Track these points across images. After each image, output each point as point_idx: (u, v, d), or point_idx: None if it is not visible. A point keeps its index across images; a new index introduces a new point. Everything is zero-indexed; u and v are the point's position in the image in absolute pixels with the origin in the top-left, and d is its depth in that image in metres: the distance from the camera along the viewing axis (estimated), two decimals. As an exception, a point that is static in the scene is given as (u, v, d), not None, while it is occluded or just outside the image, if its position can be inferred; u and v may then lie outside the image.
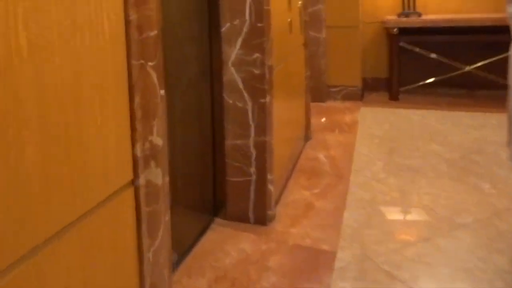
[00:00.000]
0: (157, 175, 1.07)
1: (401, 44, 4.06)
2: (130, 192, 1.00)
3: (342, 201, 2.24)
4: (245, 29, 1.92)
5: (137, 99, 0.98)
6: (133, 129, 0.98)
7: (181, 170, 1.80)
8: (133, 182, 1.01)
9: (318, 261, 1.76)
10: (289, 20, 2.47)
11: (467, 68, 4.04)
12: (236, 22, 1.92)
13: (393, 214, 2.15)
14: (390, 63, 4.16)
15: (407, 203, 2.24)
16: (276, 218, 2.09)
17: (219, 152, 2.06)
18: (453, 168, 2.62)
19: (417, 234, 1.95)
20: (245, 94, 1.98)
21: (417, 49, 4.09)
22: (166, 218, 1.14)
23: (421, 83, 4.17)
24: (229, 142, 2.03)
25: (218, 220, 2.08)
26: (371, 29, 4.38)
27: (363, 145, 3.02)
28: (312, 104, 3.36)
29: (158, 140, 1.06)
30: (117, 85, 0.93)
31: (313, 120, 3.38)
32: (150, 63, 1.00)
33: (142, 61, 0.98)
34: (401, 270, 1.68)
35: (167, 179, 1.12)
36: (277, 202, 2.23)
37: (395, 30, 4.01)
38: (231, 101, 2.00)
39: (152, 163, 1.05)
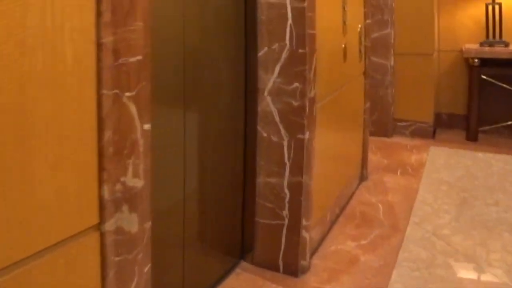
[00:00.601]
0: (131, 221, 0.91)
1: (483, 77, 3.63)
2: (93, 238, 0.87)
3: (393, 258, 1.92)
4: (284, 55, 1.73)
5: (107, 134, 0.84)
6: (101, 168, 0.84)
7: (207, 204, 1.67)
8: (99, 227, 0.87)
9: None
10: (343, 45, 2.24)
11: None
12: (275, 46, 1.74)
13: (455, 284, 1.76)
14: (469, 98, 3.73)
15: (475, 271, 1.85)
16: (310, 270, 1.85)
17: (250, 189, 1.87)
18: (540, 230, 2.14)
19: (483, 314, 1.56)
20: (281, 128, 1.78)
21: (502, 84, 3.63)
22: (144, 269, 0.97)
23: (505, 123, 3.67)
24: (261, 179, 1.84)
25: (244, 264, 1.89)
26: (448, 58, 3.96)
27: (428, 192, 2.63)
28: (375, 139, 3.05)
29: (135, 181, 0.90)
30: (81, 118, 0.80)
31: (373, 158, 3.05)
32: (127, 94, 0.86)
33: (117, 91, 0.84)
34: None
35: (147, 226, 0.96)
36: (315, 251, 1.97)
37: (476, 60, 3.58)
38: (265, 134, 1.81)
39: (125, 208, 0.89)
